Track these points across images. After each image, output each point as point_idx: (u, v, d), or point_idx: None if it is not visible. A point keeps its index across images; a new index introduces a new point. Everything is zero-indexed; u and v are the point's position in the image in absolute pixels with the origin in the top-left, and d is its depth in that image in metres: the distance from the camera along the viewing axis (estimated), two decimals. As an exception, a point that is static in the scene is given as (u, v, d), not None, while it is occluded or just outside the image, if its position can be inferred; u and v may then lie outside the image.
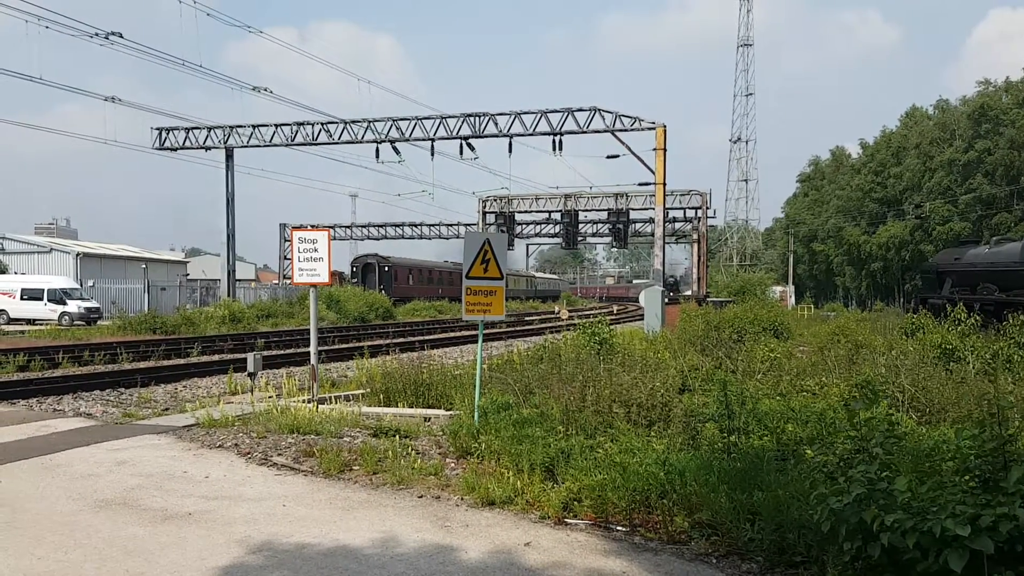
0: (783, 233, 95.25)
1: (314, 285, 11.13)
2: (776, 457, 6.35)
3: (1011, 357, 12.52)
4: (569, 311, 54.90)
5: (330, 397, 11.45)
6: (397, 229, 70.64)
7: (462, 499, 6.70)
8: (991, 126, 62.42)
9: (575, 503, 6.22)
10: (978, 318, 16.29)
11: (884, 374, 8.84)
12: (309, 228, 12.50)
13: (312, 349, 11.42)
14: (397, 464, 7.55)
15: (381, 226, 71.26)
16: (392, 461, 7.62)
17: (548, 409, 8.67)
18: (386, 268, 59.87)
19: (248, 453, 8.38)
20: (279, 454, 8.28)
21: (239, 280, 54.43)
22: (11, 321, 35.64)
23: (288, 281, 54.95)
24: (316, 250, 10.99)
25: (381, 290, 53.68)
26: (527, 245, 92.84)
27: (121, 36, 26.42)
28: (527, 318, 47.89)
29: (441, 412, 10.79)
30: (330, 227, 71.86)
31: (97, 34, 25.73)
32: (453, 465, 7.91)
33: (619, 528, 5.86)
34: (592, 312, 53.58)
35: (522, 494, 6.55)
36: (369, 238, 72.50)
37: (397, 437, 8.59)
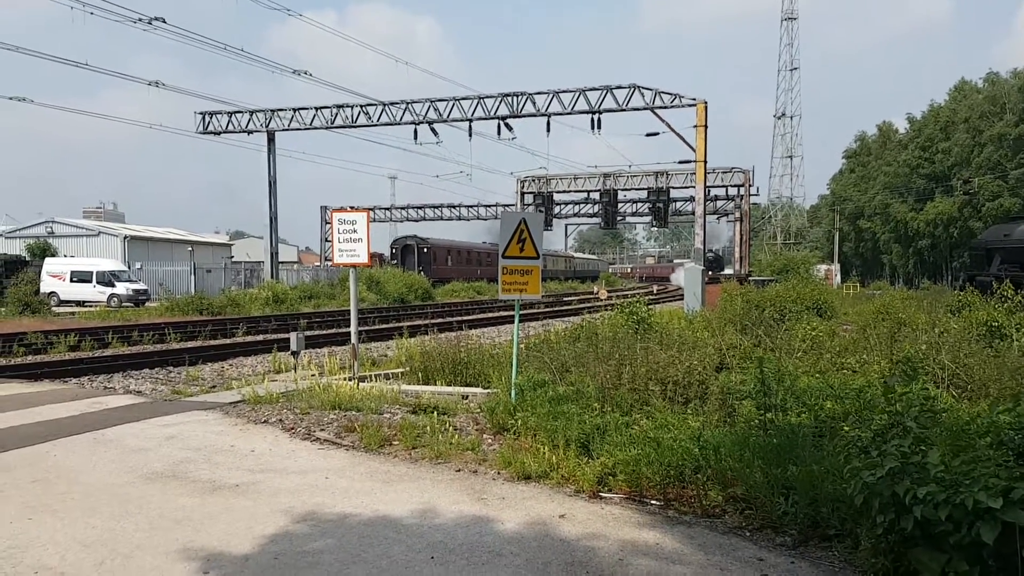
0: (828, 210, 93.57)
1: (354, 266, 11.30)
2: (813, 433, 6.35)
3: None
4: (608, 291, 54.71)
5: (370, 375, 11.66)
6: (436, 210, 70.93)
7: (498, 473, 6.82)
8: (1044, 98, 60.52)
9: (610, 478, 6.30)
10: (1011, 293, 15.93)
11: (924, 351, 8.74)
12: (349, 210, 12.68)
13: (352, 329, 11.61)
14: (435, 439, 7.69)
15: (420, 207, 71.63)
16: (430, 437, 7.77)
17: (584, 387, 8.74)
18: (425, 249, 60.27)
19: (292, 428, 8.61)
20: (321, 429, 8.49)
21: (282, 262, 55.29)
22: (61, 303, 36.64)
23: (329, 263, 55.66)
24: (355, 231, 11.14)
25: (420, 271, 54.06)
26: (566, 225, 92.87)
27: (164, 21, 26.88)
28: (565, 298, 47.87)
29: (478, 390, 10.92)
30: (370, 209, 72.51)
31: (140, 19, 26.21)
32: (490, 441, 8.04)
33: (653, 502, 5.93)
34: (632, 292, 53.41)
35: (557, 469, 6.64)
36: (408, 219, 72.97)
37: (435, 414, 8.74)
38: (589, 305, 37.03)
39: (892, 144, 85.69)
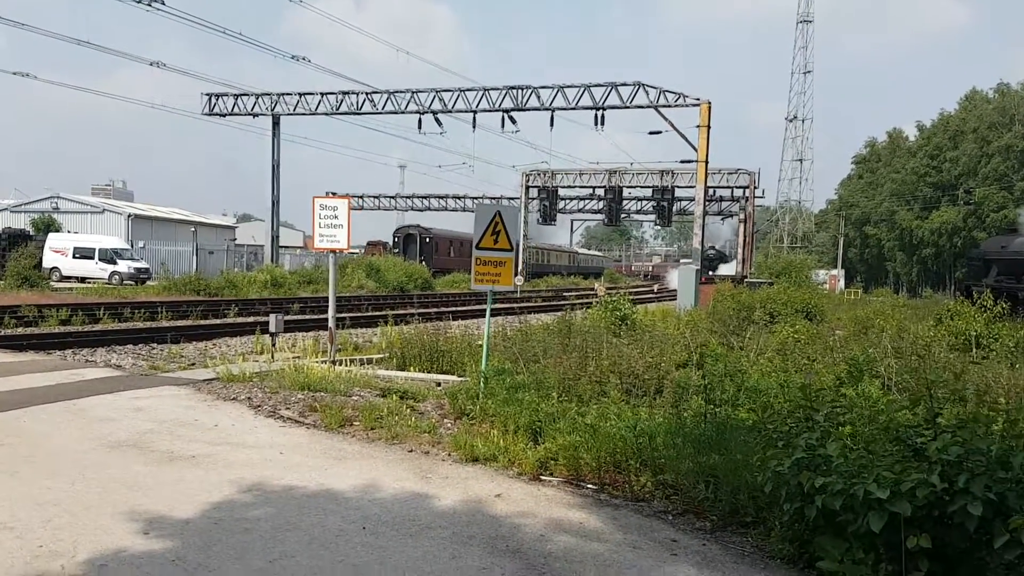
0: (835, 215, 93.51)
1: (333, 251, 11.53)
2: (749, 427, 6.54)
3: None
4: (608, 288, 54.89)
5: (346, 359, 11.88)
6: (441, 201, 71.14)
7: (449, 455, 7.04)
8: (1054, 111, 60.41)
9: (552, 462, 6.52)
10: (1006, 305, 16.07)
11: (873, 355, 8.93)
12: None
13: (330, 313, 11.86)
14: (394, 421, 7.92)
15: (425, 197, 71.85)
16: (389, 419, 8.00)
17: (545, 376, 8.94)
18: (427, 239, 60.46)
19: (258, 406, 8.85)
20: (287, 408, 8.73)
21: (286, 247, 55.60)
22: (63, 279, 36.99)
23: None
24: (336, 217, 11.37)
25: (422, 261, 54.28)
26: (571, 221, 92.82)
27: (163, 3, 27.10)
28: (564, 293, 48.06)
29: (453, 378, 11.13)
30: (376, 196, 72.59)
31: (141, 0, 26.42)
32: (449, 425, 8.25)
33: (589, 486, 6.15)
34: (632, 290, 53.55)
35: (505, 452, 6.86)
36: (413, 208, 73.21)
37: (394, 397, 8.97)
38: (586, 300, 37.21)
39: (901, 151, 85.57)
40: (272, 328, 12.61)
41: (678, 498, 5.70)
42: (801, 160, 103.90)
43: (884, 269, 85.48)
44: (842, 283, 64.70)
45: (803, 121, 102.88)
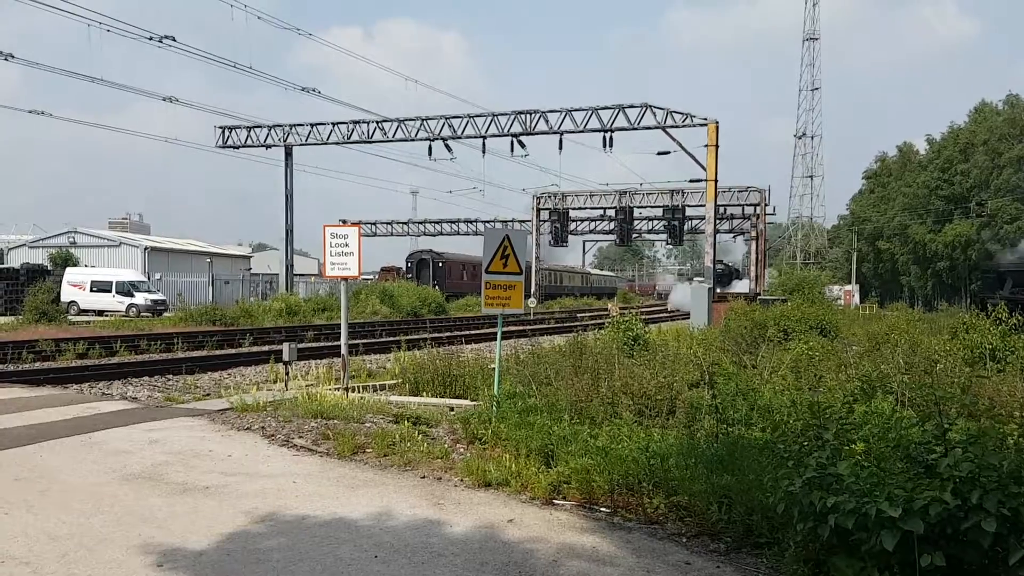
0: (848, 231, 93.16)
1: (345, 279, 11.61)
2: (762, 446, 6.51)
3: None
4: (622, 308, 54.80)
5: (359, 386, 11.92)
6: (452, 225, 71.47)
7: (461, 480, 7.04)
8: (1064, 121, 60.18)
9: (564, 485, 6.50)
10: (1022, 318, 15.90)
11: (885, 371, 8.88)
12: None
13: (343, 340, 11.91)
14: (406, 448, 7.93)
15: (437, 222, 72.20)
16: (402, 445, 8.01)
17: (557, 399, 8.94)
18: (440, 264, 60.68)
19: (272, 435, 8.88)
20: (300, 437, 8.75)
21: (301, 275, 55.88)
22: (81, 312, 37.33)
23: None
24: (347, 245, 11.46)
25: (435, 285, 54.42)
26: (584, 242, 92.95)
27: (174, 39, 27.55)
28: (578, 314, 48.03)
29: (466, 402, 11.14)
30: (388, 223, 72.94)
31: (152, 37, 26.90)
32: (462, 450, 8.25)
33: (602, 509, 6.12)
34: (645, 309, 53.45)
35: (518, 477, 6.85)
36: (425, 234, 73.57)
37: (407, 423, 8.99)
38: (598, 321, 37.15)
39: (912, 165, 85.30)
40: (285, 356, 12.68)
41: (691, 520, 5.67)
42: (812, 176, 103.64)
43: (899, 283, 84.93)
44: (857, 298, 64.28)
45: (812, 138, 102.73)
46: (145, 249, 52.18)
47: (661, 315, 48.52)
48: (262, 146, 42.78)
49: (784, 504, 4.68)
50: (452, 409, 10.81)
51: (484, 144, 39.38)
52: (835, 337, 19.51)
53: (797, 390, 9.72)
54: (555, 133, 37.81)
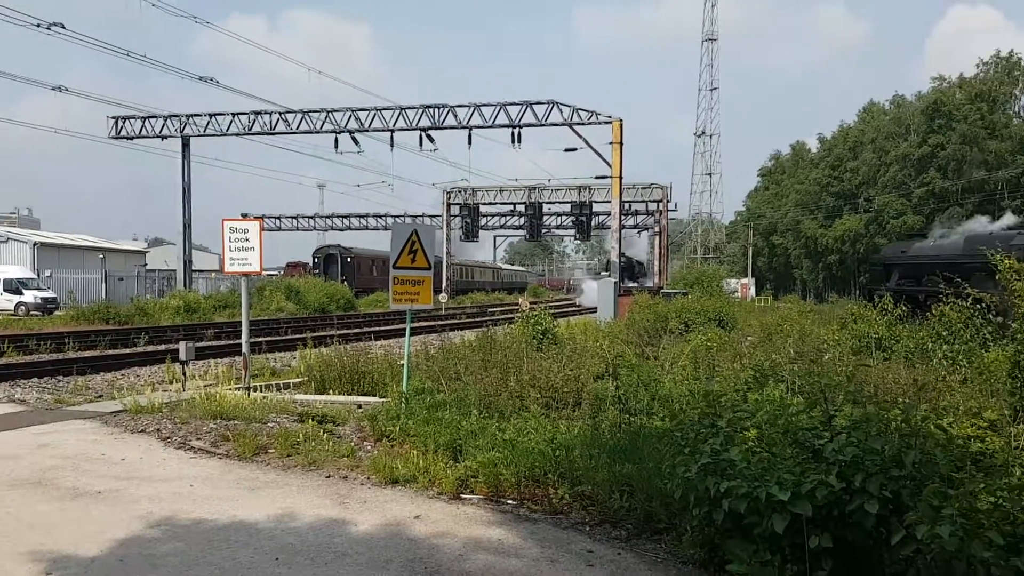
0: (744, 226, 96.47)
1: (245, 274, 11.31)
2: (661, 435, 6.70)
3: (926, 345, 13.05)
4: (532, 302, 55.23)
5: (262, 385, 11.64)
6: (361, 220, 70.46)
7: (368, 478, 6.97)
8: (944, 121, 63.73)
9: (472, 479, 6.53)
10: (905, 308, 16.84)
11: (777, 360, 9.27)
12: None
13: (244, 338, 11.61)
14: (311, 447, 7.80)
15: (345, 216, 71.05)
16: (305, 444, 7.87)
17: (466, 394, 8.96)
18: (348, 259, 59.73)
19: (168, 438, 8.58)
20: (198, 439, 8.49)
21: (200, 271, 54.04)
22: (-36, 311, 35.12)
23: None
24: (248, 239, 11.16)
25: (343, 281, 53.52)
26: (494, 237, 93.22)
27: (63, 26, 26.15)
28: (489, 309, 48.14)
29: (374, 399, 11.02)
30: (294, 217, 71.33)
31: (39, 24, 25.48)
32: (369, 448, 8.18)
33: (509, 502, 6.18)
34: (554, 303, 54.03)
35: (425, 473, 6.83)
36: (333, 228, 72.31)
37: (312, 422, 8.84)
38: (509, 316, 37.34)
39: (804, 163, 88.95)
40: (182, 356, 12.24)
41: (595, 509, 5.79)
42: (711, 174, 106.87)
43: (792, 276, 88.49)
44: (753, 291, 66.61)
45: (711, 136, 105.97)
46: (34, 245, 49.46)
47: (570, 309, 49.13)
48: (157, 136, 41.05)
49: (681, 490, 4.83)
50: (360, 407, 10.69)
51: (392, 138, 38.91)
52: (732, 328, 20.21)
53: (695, 380, 10.06)
54: (464, 128, 37.68)
